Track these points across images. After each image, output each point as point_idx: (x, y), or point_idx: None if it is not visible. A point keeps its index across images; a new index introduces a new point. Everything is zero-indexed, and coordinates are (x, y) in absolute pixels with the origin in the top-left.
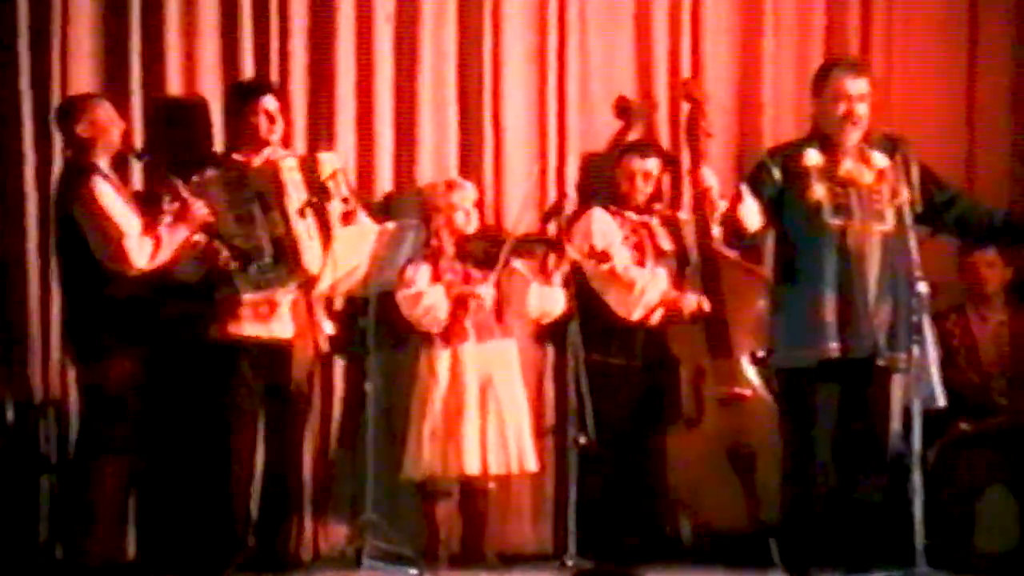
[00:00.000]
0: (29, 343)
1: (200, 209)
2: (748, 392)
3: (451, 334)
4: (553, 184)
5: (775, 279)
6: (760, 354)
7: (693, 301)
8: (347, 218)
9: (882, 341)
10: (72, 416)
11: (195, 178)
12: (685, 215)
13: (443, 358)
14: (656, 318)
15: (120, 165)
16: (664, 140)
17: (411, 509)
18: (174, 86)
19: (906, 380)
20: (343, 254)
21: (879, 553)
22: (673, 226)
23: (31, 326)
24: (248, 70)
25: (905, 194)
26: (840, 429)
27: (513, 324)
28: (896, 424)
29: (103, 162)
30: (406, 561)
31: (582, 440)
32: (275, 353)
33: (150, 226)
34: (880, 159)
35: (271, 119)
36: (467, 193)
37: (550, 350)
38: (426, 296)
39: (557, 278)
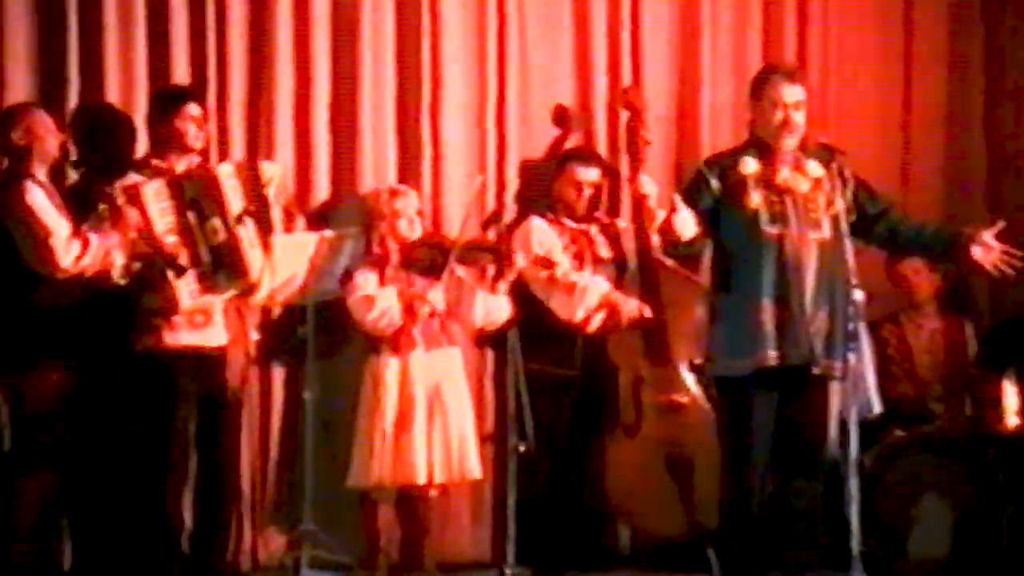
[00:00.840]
0: None
1: (134, 217)
2: (686, 399)
3: (399, 343)
4: (492, 192)
5: (713, 287)
6: (698, 362)
7: (634, 306)
8: (287, 227)
9: (819, 349)
10: None
11: (128, 184)
12: (624, 223)
13: (391, 367)
14: (596, 323)
15: (58, 175)
16: (602, 148)
17: (350, 518)
18: (112, 94)
19: (842, 388)
20: (281, 262)
21: (815, 559)
22: (612, 234)
23: None
24: (184, 77)
25: (840, 203)
26: (777, 436)
27: (457, 331)
28: (832, 431)
29: (40, 172)
30: (345, 570)
31: (521, 448)
32: (210, 361)
33: (79, 230)
34: (816, 168)
35: (197, 125)
36: (410, 200)
37: (490, 357)
38: (379, 299)
39: (502, 286)
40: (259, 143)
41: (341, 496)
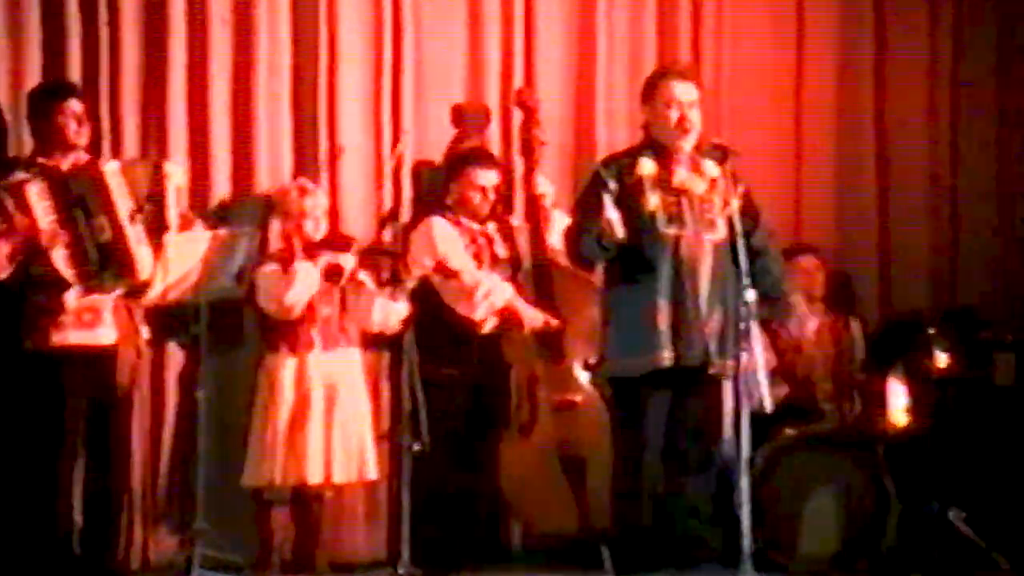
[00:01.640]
0: None
1: (21, 221)
2: (580, 399)
3: (297, 342)
4: (389, 192)
5: (609, 287)
6: (593, 361)
7: (536, 316)
8: (183, 225)
9: (713, 349)
10: None
11: (12, 183)
12: (517, 222)
13: (288, 366)
14: (491, 325)
15: None
16: (496, 147)
17: (244, 517)
18: (3, 92)
19: (734, 386)
20: (175, 260)
21: (707, 557)
22: (507, 233)
23: None
24: (76, 74)
25: (735, 203)
26: (669, 435)
27: (355, 332)
28: (725, 430)
29: None
30: (237, 570)
31: (416, 447)
32: (99, 360)
33: None
34: (711, 168)
35: (78, 122)
36: (319, 200)
37: (386, 357)
38: (299, 274)
39: (401, 293)
40: (152, 141)
41: (235, 495)
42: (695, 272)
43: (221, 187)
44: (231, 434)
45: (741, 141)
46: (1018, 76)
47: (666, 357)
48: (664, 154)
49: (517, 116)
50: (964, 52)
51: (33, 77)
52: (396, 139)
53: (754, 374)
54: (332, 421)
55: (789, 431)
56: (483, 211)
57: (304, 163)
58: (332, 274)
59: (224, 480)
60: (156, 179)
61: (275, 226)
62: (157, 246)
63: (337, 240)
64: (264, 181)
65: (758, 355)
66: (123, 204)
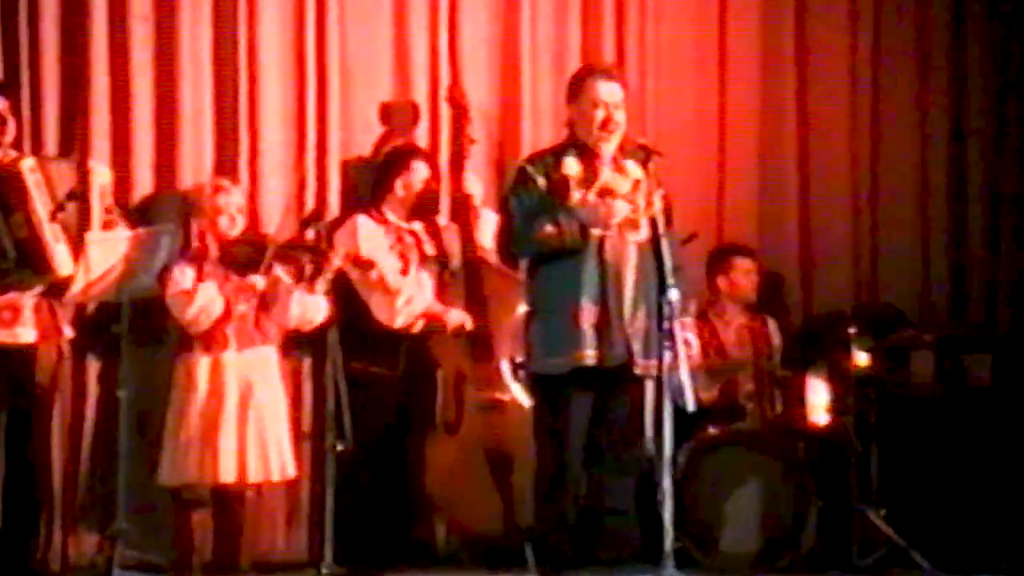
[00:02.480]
0: None
1: None
2: (507, 397)
3: (212, 341)
4: (312, 190)
5: (533, 286)
6: (519, 360)
7: (458, 318)
8: (106, 224)
9: (637, 349)
10: None
11: None
12: (444, 220)
13: (203, 365)
14: (419, 327)
15: None
16: (424, 145)
17: (164, 518)
18: None
19: (657, 386)
20: (96, 259)
21: (629, 556)
22: (434, 231)
23: None
24: None
25: (658, 203)
26: (592, 434)
27: (272, 330)
28: (647, 429)
29: None
30: (158, 571)
31: (339, 447)
32: (18, 358)
33: None
34: (635, 169)
35: (2, 120)
36: (233, 198)
37: (308, 355)
38: (199, 294)
39: (320, 286)
40: (75, 139)
41: (155, 496)
42: (620, 273)
43: (143, 185)
44: (152, 434)
45: (664, 142)
46: (938, 77)
47: (589, 356)
48: (588, 154)
49: (446, 114)
50: (883, 54)
51: None
52: (321, 138)
53: (677, 373)
54: (247, 419)
55: (711, 430)
56: (412, 207)
57: (225, 161)
58: (228, 304)
59: (145, 480)
60: (80, 177)
61: (195, 225)
62: (80, 244)
63: (253, 238)
64: (187, 179)
65: (681, 354)
66: (41, 201)
